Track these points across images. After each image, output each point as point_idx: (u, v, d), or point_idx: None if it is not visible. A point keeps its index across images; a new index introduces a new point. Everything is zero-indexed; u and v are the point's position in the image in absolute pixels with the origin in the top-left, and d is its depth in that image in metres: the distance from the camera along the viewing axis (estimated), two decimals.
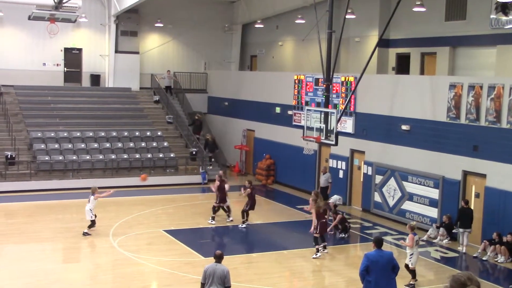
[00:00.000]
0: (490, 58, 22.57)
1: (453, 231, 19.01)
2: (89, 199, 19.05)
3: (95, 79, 32.81)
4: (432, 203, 20.10)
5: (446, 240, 19.08)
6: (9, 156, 25.24)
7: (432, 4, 23.58)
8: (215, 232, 20.17)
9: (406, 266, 14.93)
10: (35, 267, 15.92)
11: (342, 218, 19.61)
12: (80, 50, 32.69)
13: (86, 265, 16.99)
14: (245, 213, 20.47)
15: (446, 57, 24.13)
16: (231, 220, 20.76)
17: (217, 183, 20.70)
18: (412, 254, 14.98)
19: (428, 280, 15.99)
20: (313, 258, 17.13)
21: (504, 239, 17.37)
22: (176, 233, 19.34)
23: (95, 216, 19.15)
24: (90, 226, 19.06)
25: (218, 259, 11.45)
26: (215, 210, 20.58)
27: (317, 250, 17.25)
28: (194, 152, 28.64)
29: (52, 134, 27.52)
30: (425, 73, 25.33)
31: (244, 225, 20.33)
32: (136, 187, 26.07)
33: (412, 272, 15.08)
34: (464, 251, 18.22)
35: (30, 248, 17.69)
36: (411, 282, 15.01)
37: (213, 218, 20.48)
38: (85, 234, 18.88)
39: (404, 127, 21.20)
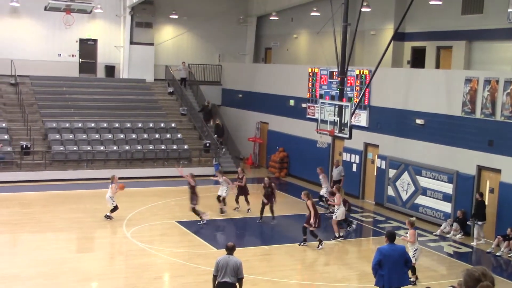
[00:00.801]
0: (507, 53, 22.37)
1: (468, 222, 18.87)
2: (109, 187, 19.63)
3: (110, 70, 32.94)
4: (446, 197, 20.01)
5: (460, 235, 19.00)
6: (24, 146, 25.43)
7: None
8: (228, 224, 20.20)
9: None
10: (49, 256, 16.06)
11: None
12: (95, 41, 32.80)
13: (99, 255, 17.10)
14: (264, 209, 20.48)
15: (462, 51, 23.94)
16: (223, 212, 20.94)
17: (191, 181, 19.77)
18: (416, 250, 14.73)
19: (441, 274, 15.96)
20: (318, 249, 17.32)
21: None
22: (189, 225, 19.42)
23: (116, 205, 19.55)
24: (112, 211, 19.54)
25: (230, 251, 11.49)
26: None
27: (320, 241, 17.37)
28: (207, 144, 28.69)
29: (67, 125, 27.67)
30: (440, 67, 25.16)
31: (261, 220, 20.30)
32: (150, 178, 26.18)
33: (413, 269, 14.64)
34: (483, 242, 18.22)
35: (45, 237, 17.86)
36: (412, 279, 14.71)
37: (221, 211, 20.74)
38: (106, 217, 19.47)
39: (418, 121, 21.10)
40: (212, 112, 31.72)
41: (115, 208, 19.56)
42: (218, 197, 21.02)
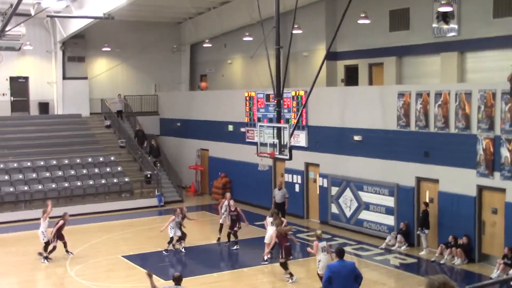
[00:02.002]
0: (434, 66, 23.09)
1: (417, 233, 19.18)
2: (40, 222, 19.12)
3: (44, 107, 32.23)
4: (388, 211, 20.34)
5: (404, 247, 19.32)
6: None
7: (376, 16, 24.05)
8: (175, 255, 19.89)
9: (317, 273, 15.25)
10: None
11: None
12: (26, 78, 32.07)
13: None
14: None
15: (393, 66, 24.59)
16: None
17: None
18: (319, 261, 15.15)
19: (389, 287, 16.13)
20: (290, 283, 16.36)
21: (460, 241, 17.71)
22: (135, 258, 19.05)
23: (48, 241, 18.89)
24: (45, 248, 18.90)
25: (178, 281, 11.35)
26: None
27: (291, 274, 16.37)
28: (148, 175, 28.36)
29: (1, 166, 26.83)
30: (373, 83, 25.75)
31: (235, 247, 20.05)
32: (92, 214, 25.59)
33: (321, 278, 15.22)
34: (427, 251, 18.62)
35: None
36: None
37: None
38: (44, 257, 18.80)
39: (356, 138, 21.46)
40: (145, 135, 31.41)
41: (46, 246, 18.89)
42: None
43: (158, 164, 29.58)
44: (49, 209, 19.61)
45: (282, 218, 18.39)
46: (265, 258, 18.15)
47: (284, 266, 16.41)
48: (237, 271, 17.95)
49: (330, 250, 15.22)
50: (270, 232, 18.18)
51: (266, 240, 18.24)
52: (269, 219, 18.46)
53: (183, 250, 19.69)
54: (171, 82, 35.71)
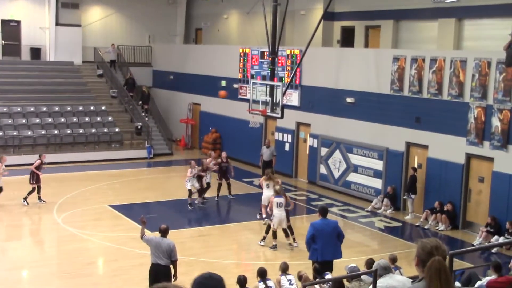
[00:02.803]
0: (432, 32, 22.95)
1: (404, 197, 19.37)
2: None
3: (36, 52, 31.83)
4: (376, 174, 20.47)
5: (390, 210, 19.51)
6: None
7: None
8: (162, 207, 20.00)
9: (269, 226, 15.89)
10: None
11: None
12: (18, 22, 31.59)
13: (29, 243, 16.68)
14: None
15: (389, 30, 24.40)
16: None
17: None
18: (274, 216, 15.66)
19: (372, 249, 16.35)
20: (259, 244, 16.28)
21: (445, 207, 17.91)
22: (122, 208, 19.15)
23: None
24: None
25: (164, 233, 11.45)
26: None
27: (264, 238, 16.25)
28: (139, 127, 28.29)
29: None
30: (369, 46, 25.59)
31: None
32: (80, 163, 25.59)
33: (274, 233, 15.82)
34: (412, 216, 18.81)
35: None
36: (262, 239, 15.98)
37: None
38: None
39: (349, 100, 21.43)
40: (135, 84, 31.19)
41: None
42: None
43: (147, 113, 29.57)
44: (4, 157, 19.57)
45: (277, 179, 18.28)
46: (263, 216, 18.15)
47: (267, 228, 16.29)
48: (223, 226, 18.09)
49: (287, 204, 15.79)
50: (267, 194, 17.99)
51: (263, 202, 18.06)
52: (265, 183, 18.14)
53: (197, 203, 19.69)
54: (165, 34, 35.30)
